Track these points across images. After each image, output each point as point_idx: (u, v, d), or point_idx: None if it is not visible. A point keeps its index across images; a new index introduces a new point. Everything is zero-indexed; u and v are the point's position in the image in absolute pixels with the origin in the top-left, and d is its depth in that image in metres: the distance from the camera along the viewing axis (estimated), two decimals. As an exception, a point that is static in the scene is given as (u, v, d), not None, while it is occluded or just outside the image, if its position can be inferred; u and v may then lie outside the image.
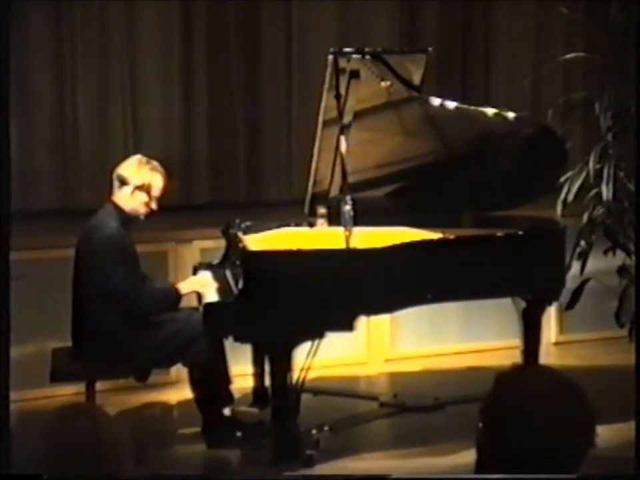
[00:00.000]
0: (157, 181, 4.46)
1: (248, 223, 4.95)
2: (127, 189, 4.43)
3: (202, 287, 4.58)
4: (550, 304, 4.98)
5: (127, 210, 4.45)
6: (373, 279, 4.24)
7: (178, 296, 4.49)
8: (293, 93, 6.73)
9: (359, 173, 4.75)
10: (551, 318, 6.00)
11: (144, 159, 4.51)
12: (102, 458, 1.73)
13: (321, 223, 4.90)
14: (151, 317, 4.43)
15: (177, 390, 5.21)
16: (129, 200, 4.44)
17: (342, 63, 4.40)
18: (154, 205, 4.48)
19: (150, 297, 4.46)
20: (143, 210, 4.47)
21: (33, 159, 6.20)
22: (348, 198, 4.31)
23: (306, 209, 4.95)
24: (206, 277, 4.68)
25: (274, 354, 4.28)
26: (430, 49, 4.71)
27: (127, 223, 4.48)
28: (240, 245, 4.59)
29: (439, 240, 4.58)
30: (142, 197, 4.43)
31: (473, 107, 4.77)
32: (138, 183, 4.42)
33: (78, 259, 4.48)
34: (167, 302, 4.48)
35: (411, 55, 4.91)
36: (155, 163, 4.51)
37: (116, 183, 4.46)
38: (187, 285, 4.57)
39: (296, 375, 4.46)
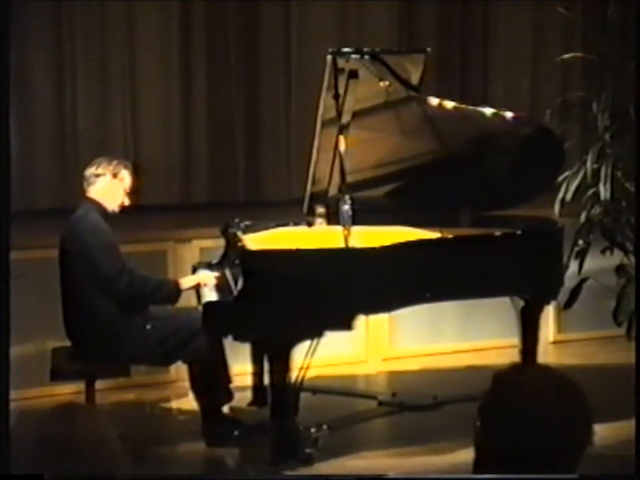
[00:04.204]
0: (127, 174, 4.56)
1: (247, 223, 4.96)
2: (103, 180, 4.51)
3: (203, 281, 4.62)
4: (548, 303, 5.00)
5: (104, 204, 4.51)
6: (371, 278, 4.25)
7: (177, 289, 4.52)
8: (292, 93, 6.74)
9: (357, 173, 4.76)
10: (549, 317, 6.01)
11: (108, 157, 4.62)
12: (101, 457, 1.73)
13: (320, 223, 4.91)
14: (147, 306, 4.46)
15: (177, 388, 5.23)
16: (106, 191, 4.51)
17: (341, 62, 4.41)
18: (126, 200, 4.55)
19: (145, 280, 4.49)
20: (119, 201, 4.53)
21: (33, 159, 6.22)
22: (347, 197, 4.32)
23: (305, 209, 4.95)
24: (206, 273, 4.72)
25: (273, 353, 4.29)
26: (428, 49, 4.72)
27: (105, 219, 4.52)
28: (239, 244, 4.60)
29: (438, 239, 4.59)
30: (118, 185, 4.52)
31: (471, 107, 4.78)
32: (112, 172, 4.51)
33: (64, 255, 4.50)
34: (163, 289, 4.51)
35: (409, 55, 4.94)
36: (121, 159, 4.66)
37: (91, 180, 4.53)
38: (187, 280, 4.61)
39: (295, 373, 4.46)
